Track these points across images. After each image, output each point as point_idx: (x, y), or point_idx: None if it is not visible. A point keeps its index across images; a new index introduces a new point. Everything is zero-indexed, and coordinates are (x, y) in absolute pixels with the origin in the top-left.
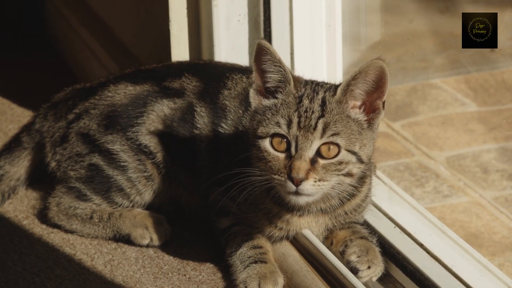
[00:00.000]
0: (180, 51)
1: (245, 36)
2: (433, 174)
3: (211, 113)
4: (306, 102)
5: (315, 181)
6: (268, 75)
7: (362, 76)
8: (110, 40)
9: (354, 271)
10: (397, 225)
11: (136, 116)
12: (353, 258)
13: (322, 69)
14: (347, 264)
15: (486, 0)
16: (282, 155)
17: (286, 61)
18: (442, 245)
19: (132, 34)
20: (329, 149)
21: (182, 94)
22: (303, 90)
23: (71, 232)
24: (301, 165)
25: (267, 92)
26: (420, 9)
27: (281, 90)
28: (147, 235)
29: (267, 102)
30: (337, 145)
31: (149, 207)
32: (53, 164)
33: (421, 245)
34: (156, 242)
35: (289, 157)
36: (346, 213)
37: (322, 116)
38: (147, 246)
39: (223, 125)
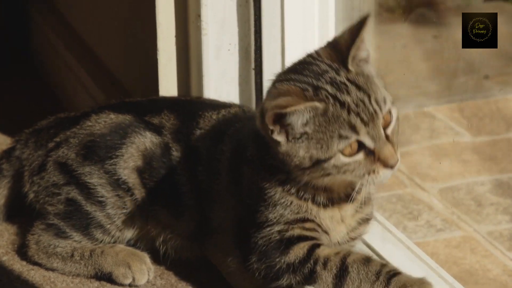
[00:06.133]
0: (168, 80)
1: (236, 66)
2: (426, 206)
3: (185, 155)
4: (345, 97)
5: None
6: (295, 124)
7: (362, 40)
8: (97, 67)
9: None
10: None
11: (115, 147)
12: None
13: None
14: None
15: None
16: (360, 156)
17: None
18: None
19: (119, 61)
20: (389, 115)
21: (161, 132)
22: (324, 93)
23: (52, 270)
24: (389, 149)
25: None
26: (413, 34)
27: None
28: (129, 274)
29: (299, 130)
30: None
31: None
32: (31, 195)
33: None
34: (138, 282)
35: (370, 153)
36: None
37: (369, 96)
38: (129, 285)
39: (200, 168)
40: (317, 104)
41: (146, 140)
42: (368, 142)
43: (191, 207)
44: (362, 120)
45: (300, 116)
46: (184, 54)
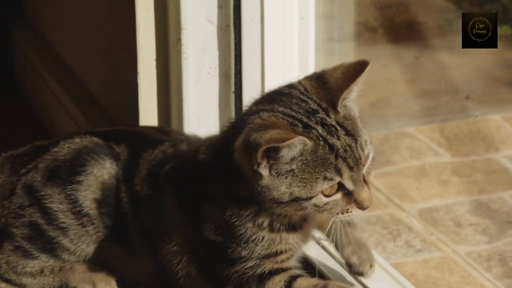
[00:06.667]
0: (148, 103)
1: (216, 89)
2: (406, 227)
3: (129, 197)
4: (334, 141)
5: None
6: (284, 159)
7: (357, 84)
8: (78, 89)
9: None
10: None
11: (75, 173)
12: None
13: None
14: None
15: (461, 47)
16: (338, 196)
17: None
18: None
19: (100, 84)
20: (367, 155)
21: (118, 164)
22: (315, 133)
23: (21, 286)
24: (367, 192)
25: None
26: (395, 54)
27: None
28: None
29: (285, 167)
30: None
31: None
32: (2, 220)
33: None
34: None
35: (348, 193)
36: None
37: (355, 141)
38: None
39: (143, 209)
40: (308, 140)
41: (104, 171)
42: (348, 185)
43: (141, 248)
44: (348, 165)
45: (293, 149)
46: (164, 78)
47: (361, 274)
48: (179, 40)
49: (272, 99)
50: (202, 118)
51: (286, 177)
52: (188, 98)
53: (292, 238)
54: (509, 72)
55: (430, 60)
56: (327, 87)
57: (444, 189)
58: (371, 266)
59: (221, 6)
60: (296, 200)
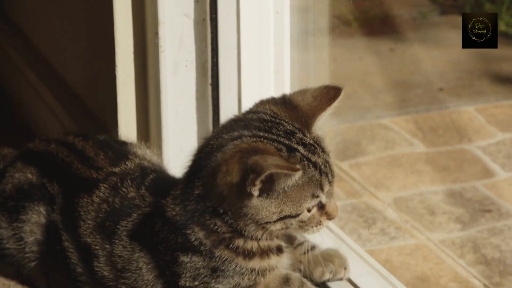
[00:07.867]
0: (126, 97)
1: (193, 82)
2: (381, 215)
3: (78, 250)
4: (316, 158)
5: None
6: (279, 185)
7: (332, 108)
8: (59, 87)
9: None
10: None
11: (15, 219)
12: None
13: None
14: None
15: (435, 40)
16: (315, 210)
17: (234, 108)
18: None
19: (83, 82)
20: None
21: (53, 208)
22: (298, 155)
23: None
24: (335, 204)
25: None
26: (370, 47)
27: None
28: None
29: (277, 189)
30: None
31: None
32: None
33: None
34: None
35: (321, 207)
36: None
37: (329, 156)
38: None
39: (99, 265)
40: (300, 173)
41: (41, 216)
42: (323, 199)
43: None
44: (328, 180)
45: (290, 178)
46: (142, 71)
47: (339, 279)
48: (156, 34)
49: (245, 125)
50: (179, 110)
51: (276, 198)
52: (165, 91)
53: (274, 261)
54: (482, 65)
55: (404, 53)
56: (298, 110)
57: (418, 178)
58: (345, 268)
59: (198, 0)
60: (284, 218)
